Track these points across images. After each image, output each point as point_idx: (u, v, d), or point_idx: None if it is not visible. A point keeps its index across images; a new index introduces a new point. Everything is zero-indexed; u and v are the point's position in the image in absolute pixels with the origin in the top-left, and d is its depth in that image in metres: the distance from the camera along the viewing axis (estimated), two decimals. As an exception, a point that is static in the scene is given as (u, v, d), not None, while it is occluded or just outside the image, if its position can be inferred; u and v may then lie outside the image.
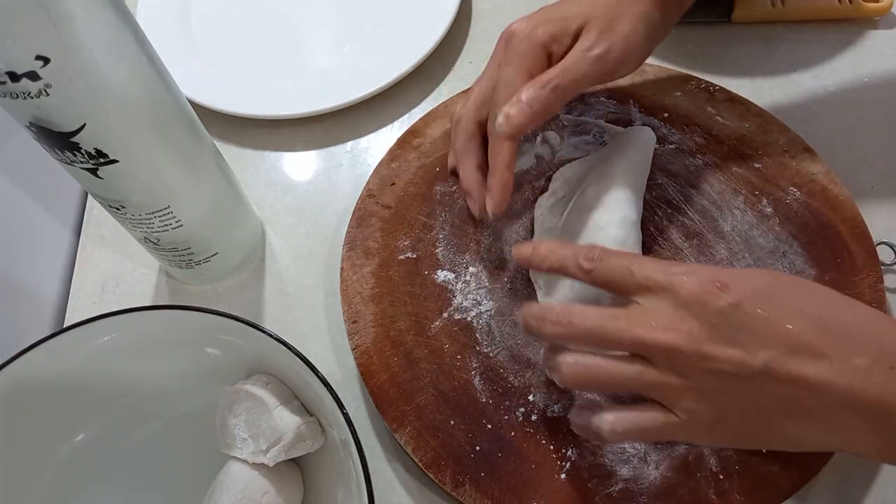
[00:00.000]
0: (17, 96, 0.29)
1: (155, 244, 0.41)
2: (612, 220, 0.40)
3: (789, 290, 0.30)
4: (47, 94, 0.29)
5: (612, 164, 0.42)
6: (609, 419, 0.32)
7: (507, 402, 0.39)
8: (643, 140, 0.45)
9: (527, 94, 0.37)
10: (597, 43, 0.38)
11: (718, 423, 0.30)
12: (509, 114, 0.37)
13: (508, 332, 0.41)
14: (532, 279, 0.43)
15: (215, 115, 0.53)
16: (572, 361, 0.32)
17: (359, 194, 0.47)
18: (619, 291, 0.32)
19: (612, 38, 0.38)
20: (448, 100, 0.50)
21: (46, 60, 0.28)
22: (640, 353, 0.31)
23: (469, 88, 0.44)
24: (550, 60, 0.39)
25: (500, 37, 0.40)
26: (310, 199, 0.51)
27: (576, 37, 0.38)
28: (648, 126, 0.47)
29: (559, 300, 0.41)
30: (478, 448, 0.38)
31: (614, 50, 0.38)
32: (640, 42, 0.39)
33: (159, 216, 0.39)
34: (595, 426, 0.32)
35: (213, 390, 0.38)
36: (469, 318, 0.42)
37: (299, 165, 0.53)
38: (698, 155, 0.47)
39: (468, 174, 0.42)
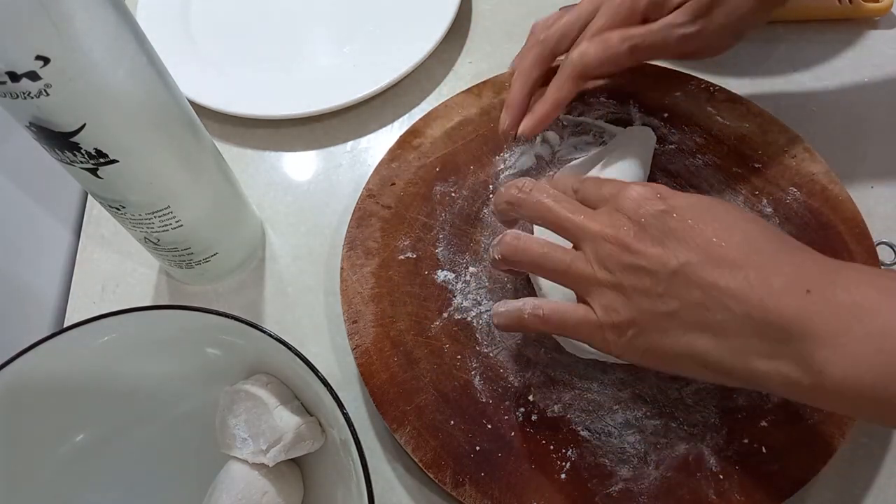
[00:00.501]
0: (17, 96, 0.29)
1: (155, 244, 0.41)
2: None
3: (726, 211, 0.31)
4: (47, 94, 0.29)
5: (612, 164, 0.42)
6: (533, 301, 0.34)
7: (507, 402, 0.39)
8: (643, 140, 0.45)
9: (607, 38, 0.39)
10: (690, 23, 0.39)
11: (632, 327, 0.31)
12: (585, 51, 0.40)
13: (509, 332, 0.41)
14: (532, 280, 0.43)
15: (215, 115, 0.53)
16: (513, 234, 0.34)
17: (359, 194, 0.47)
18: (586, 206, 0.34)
19: (705, 24, 0.39)
20: (448, 100, 0.50)
21: (46, 60, 0.28)
22: (573, 241, 0.33)
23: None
24: (643, 23, 0.40)
25: None
26: (310, 199, 0.51)
27: (675, 7, 0.39)
28: (648, 126, 0.47)
29: (559, 299, 0.41)
30: (478, 448, 0.38)
31: (703, 35, 0.39)
32: (729, 35, 0.41)
33: (159, 216, 0.39)
34: (517, 308, 0.34)
35: (213, 390, 0.38)
36: (469, 318, 0.42)
37: (299, 165, 0.53)
38: (698, 155, 0.47)
39: (518, 93, 0.43)
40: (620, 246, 0.31)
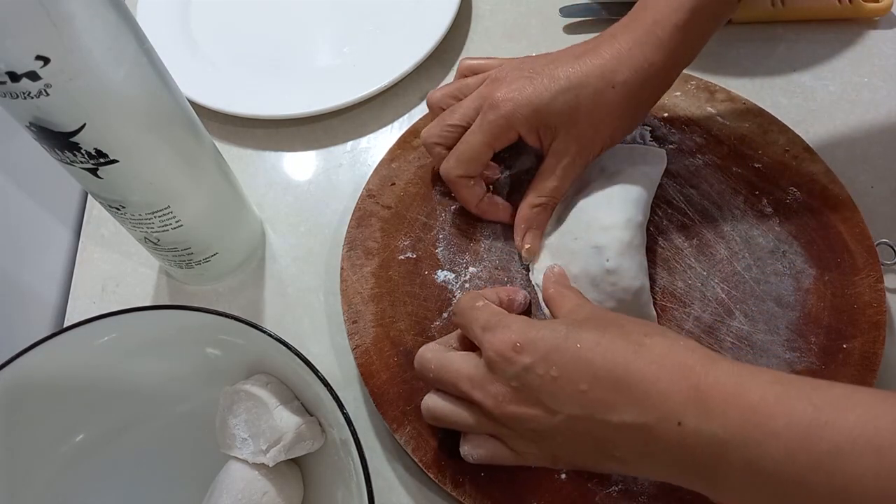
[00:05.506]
0: (17, 96, 0.29)
1: (155, 244, 0.41)
2: (618, 221, 0.40)
3: (579, 345, 0.31)
4: (47, 94, 0.29)
5: (622, 171, 0.43)
6: (466, 448, 0.35)
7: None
8: (656, 160, 0.45)
9: (527, 221, 0.42)
10: (573, 155, 0.40)
11: (555, 459, 0.33)
12: (531, 249, 0.42)
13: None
14: (532, 280, 0.43)
15: (215, 115, 0.53)
16: (429, 401, 0.36)
17: (359, 194, 0.47)
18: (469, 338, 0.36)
19: (588, 149, 0.41)
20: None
21: (46, 60, 0.28)
22: (467, 400, 0.34)
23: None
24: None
25: (486, 89, 0.41)
26: (310, 199, 0.51)
27: (555, 134, 0.40)
28: (648, 126, 0.47)
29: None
30: (478, 448, 0.38)
31: (590, 158, 0.41)
32: (623, 134, 0.42)
33: (159, 216, 0.39)
34: (462, 451, 0.35)
35: (213, 390, 0.38)
36: (469, 318, 0.42)
37: (299, 165, 0.53)
38: (698, 155, 0.47)
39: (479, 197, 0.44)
40: (503, 415, 0.32)
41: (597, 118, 0.39)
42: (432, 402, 0.35)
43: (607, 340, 0.31)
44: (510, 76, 0.40)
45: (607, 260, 0.39)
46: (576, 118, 0.39)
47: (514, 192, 0.46)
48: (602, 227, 0.40)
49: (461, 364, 0.34)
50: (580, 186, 0.44)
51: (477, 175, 0.43)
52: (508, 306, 0.39)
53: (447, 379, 0.34)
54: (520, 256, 0.44)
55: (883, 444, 0.24)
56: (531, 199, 0.42)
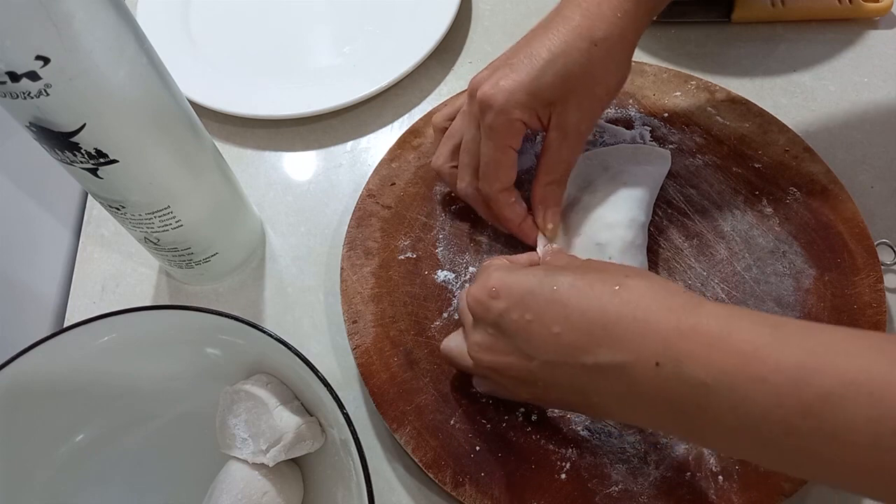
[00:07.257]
0: (17, 96, 0.29)
1: (155, 244, 0.41)
2: (622, 219, 0.40)
3: (554, 287, 0.31)
4: (47, 94, 0.29)
5: (626, 171, 0.43)
6: (474, 381, 0.38)
7: (507, 402, 0.39)
8: (660, 161, 0.45)
9: (544, 201, 0.41)
10: (576, 123, 0.39)
11: (544, 402, 0.36)
12: (553, 228, 0.42)
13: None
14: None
15: (215, 115, 0.53)
16: (445, 342, 0.38)
17: (359, 194, 0.47)
18: None
19: (590, 112, 0.39)
20: (448, 99, 0.50)
21: (46, 60, 0.28)
22: None
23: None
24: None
25: (471, 95, 0.40)
26: (310, 198, 0.51)
27: (552, 108, 0.39)
28: (648, 126, 0.47)
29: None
30: (478, 448, 0.38)
31: (594, 119, 0.40)
32: (617, 87, 0.40)
33: (159, 216, 0.39)
34: (473, 382, 0.39)
35: (213, 390, 0.38)
36: (469, 318, 0.42)
37: (299, 165, 0.53)
38: (698, 155, 0.47)
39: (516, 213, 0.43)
40: (482, 364, 0.34)
41: (590, 80, 0.38)
42: (446, 343, 0.38)
43: (584, 282, 0.30)
44: (487, 72, 0.40)
45: (609, 257, 0.39)
46: (570, 86, 0.38)
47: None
48: (606, 224, 0.40)
49: (465, 313, 0.35)
50: (583, 184, 0.44)
51: (512, 185, 0.41)
52: None
53: (451, 345, 0.37)
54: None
55: (876, 390, 0.23)
56: (543, 178, 0.41)
